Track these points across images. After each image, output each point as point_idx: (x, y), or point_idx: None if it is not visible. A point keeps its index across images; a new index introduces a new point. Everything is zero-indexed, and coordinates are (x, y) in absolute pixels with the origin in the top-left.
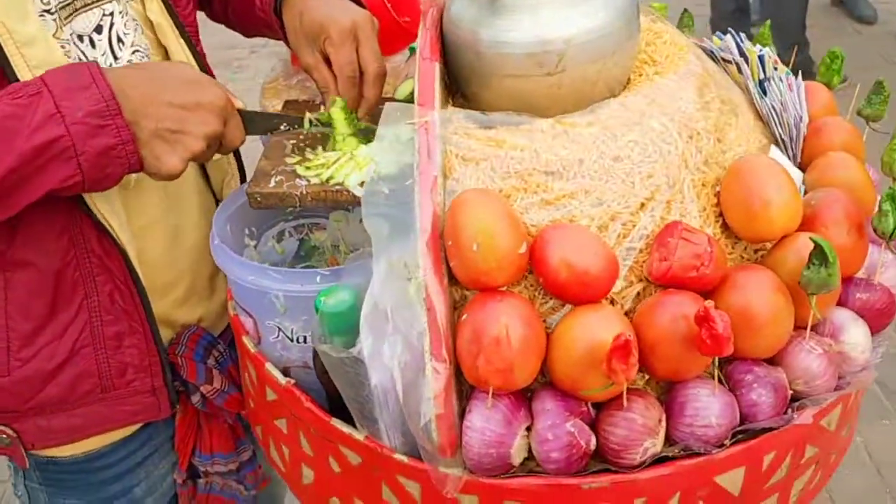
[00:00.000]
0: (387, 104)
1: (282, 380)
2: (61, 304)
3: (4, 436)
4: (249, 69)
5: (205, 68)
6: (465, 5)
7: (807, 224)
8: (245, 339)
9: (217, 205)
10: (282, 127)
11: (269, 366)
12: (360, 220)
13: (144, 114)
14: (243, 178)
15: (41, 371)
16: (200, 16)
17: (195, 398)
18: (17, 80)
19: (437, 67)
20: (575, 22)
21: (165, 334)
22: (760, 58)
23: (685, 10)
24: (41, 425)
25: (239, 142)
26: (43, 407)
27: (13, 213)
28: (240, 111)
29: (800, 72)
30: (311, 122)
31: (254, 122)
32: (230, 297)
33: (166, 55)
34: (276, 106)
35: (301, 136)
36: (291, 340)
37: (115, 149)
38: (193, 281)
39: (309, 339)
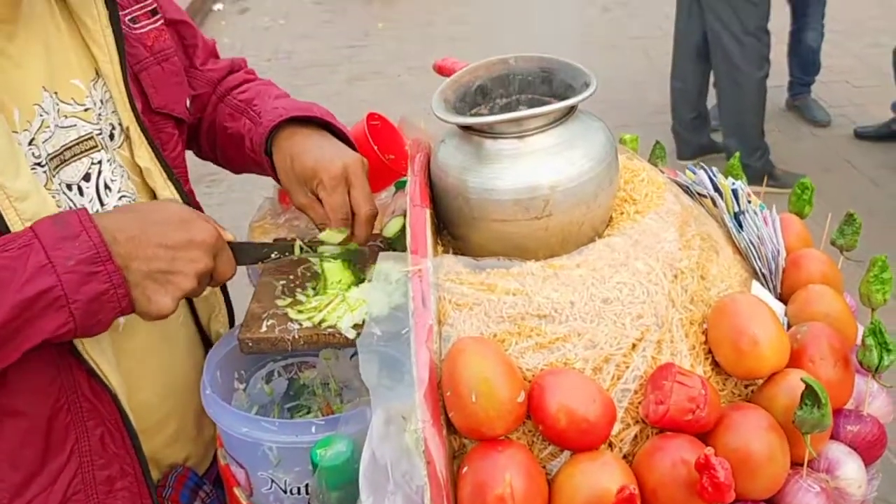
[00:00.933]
0: (381, 254)
1: None
2: (52, 451)
3: None
4: (223, 183)
5: (196, 207)
6: (451, 152)
7: (794, 360)
8: (236, 491)
9: (204, 340)
10: (272, 255)
11: None
12: (351, 357)
13: (135, 256)
14: (230, 311)
15: None
16: None
17: None
18: (10, 232)
19: (427, 213)
20: (559, 169)
21: (153, 475)
22: (734, 192)
23: (657, 141)
24: None
25: (230, 275)
26: None
27: (6, 365)
28: (229, 243)
29: (764, 177)
30: (301, 248)
31: (244, 252)
32: (220, 445)
33: (154, 198)
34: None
35: (291, 276)
36: (285, 492)
37: (106, 294)
38: (182, 420)
39: (303, 490)
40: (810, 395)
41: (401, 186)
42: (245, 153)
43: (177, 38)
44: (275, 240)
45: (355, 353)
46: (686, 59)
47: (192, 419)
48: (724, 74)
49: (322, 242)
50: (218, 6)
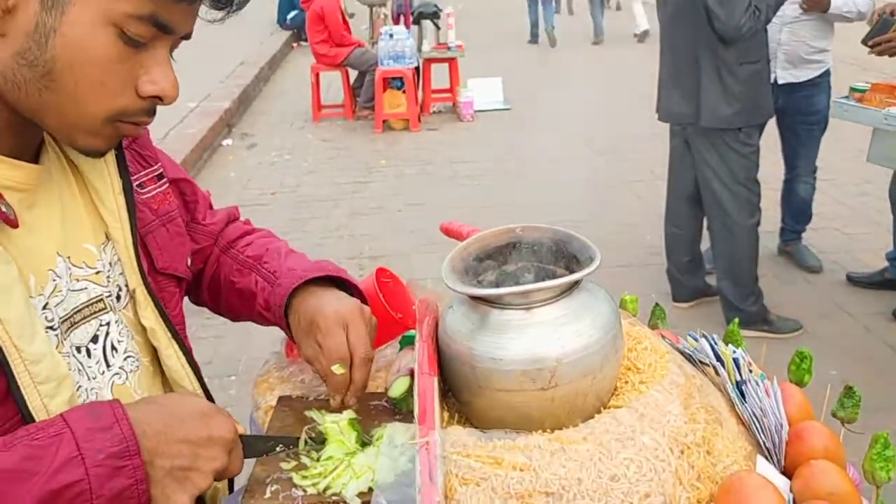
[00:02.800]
0: (390, 425)
1: None
2: None
3: None
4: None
5: (193, 363)
6: (458, 319)
7: None
8: None
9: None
10: (277, 448)
11: None
12: None
13: (159, 453)
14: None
15: None
16: None
17: None
18: (22, 396)
19: (435, 382)
20: (566, 341)
21: None
22: (736, 361)
23: (656, 304)
24: None
25: (238, 471)
26: None
27: None
28: (239, 436)
29: (759, 326)
30: (305, 441)
31: (251, 446)
32: None
33: (155, 355)
34: (269, 402)
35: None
36: None
37: (129, 490)
38: None
39: None
40: None
41: (406, 343)
42: (255, 309)
43: (178, 195)
44: (279, 399)
45: None
46: (680, 205)
47: None
48: (717, 221)
49: (324, 439)
50: (227, 141)
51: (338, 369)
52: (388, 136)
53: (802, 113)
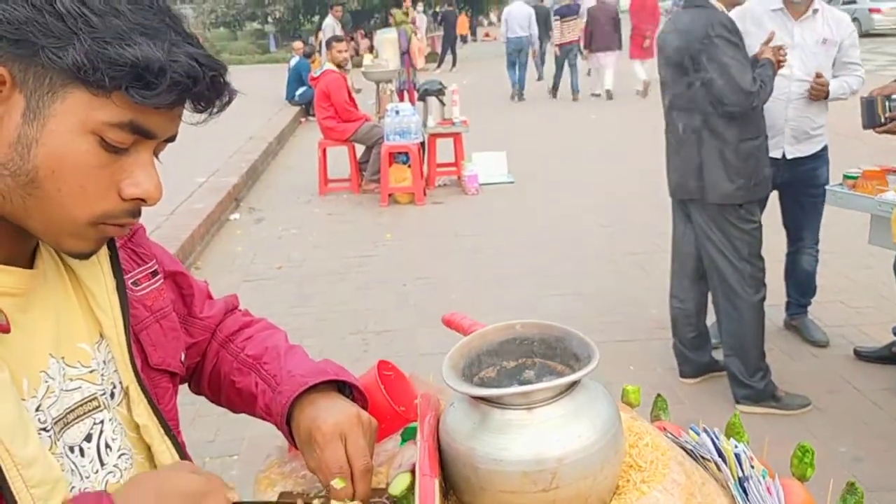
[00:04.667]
0: (398, 486)
1: None
2: None
3: None
4: None
5: (185, 458)
6: (460, 419)
7: None
8: None
9: None
10: None
11: None
12: None
13: None
14: None
15: None
16: None
17: None
18: (15, 501)
19: (437, 484)
20: (566, 441)
21: None
22: (737, 456)
23: (658, 395)
24: None
25: None
26: None
27: None
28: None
29: (767, 402)
30: None
31: None
32: None
33: (149, 452)
34: (271, 498)
35: None
36: None
37: None
38: None
39: None
40: None
41: (408, 437)
42: (256, 410)
43: (175, 288)
44: (280, 494)
45: None
46: (684, 280)
47: None
48: (722, 297)
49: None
50: (234, 216)
51: (338, 483)
52: (393, 209)
53: (807, 185)
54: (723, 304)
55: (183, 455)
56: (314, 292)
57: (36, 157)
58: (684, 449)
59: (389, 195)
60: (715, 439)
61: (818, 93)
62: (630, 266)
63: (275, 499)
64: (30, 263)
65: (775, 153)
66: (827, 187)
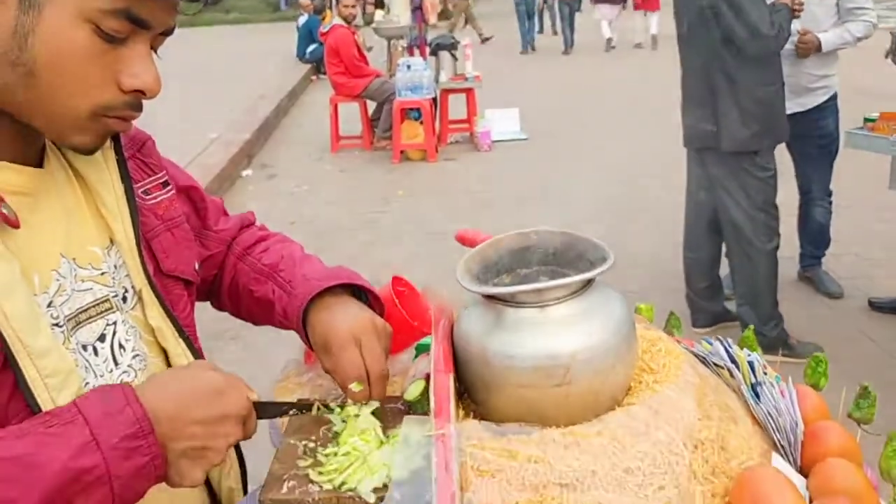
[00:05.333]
0: (406, 417)
1: None
2: None
3: None
4: (240, 340)
5: None
6: (473, 320)
7: None
8: None
9: (211, 495)
10: (290, 412)
11: None
12: None
13: (173, 437)
14: (242, 465)
15: None
16: None
17: None
18: (30, 389)
19: (451, 379)
20: (578, 339)
21: None
22: (750, 363)
23: (672, 312)
24: None
25: (251, 435)
26: None
27: None
28: (253, 403)
29: (779, 350)
30: (318, 408)
31: (265, 409)
32: None
33: (165, 357)
34: None
35: (313, 437)
36: None
37: (146, 467)
38: None
39: None
40: None
41: (421, 350)
42: (274, 317)
43: (189, 202)
44: (298, 399)
45: None
46: (698, 231)
47: None
48: (736, 247)
49: (342, 406)
50: (247, 172)
51: (356, 387)
52: (405, 166)
53: (812, 137)
54: (736, 253)
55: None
56: (326, 248)
57: (33, 48)
58: (697, 357)
59: (401, 152)
60: (728, 348)
61: (805, 49)
62: (644, 220)
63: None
64: (38, 164)
65: None
66: (846, 130)
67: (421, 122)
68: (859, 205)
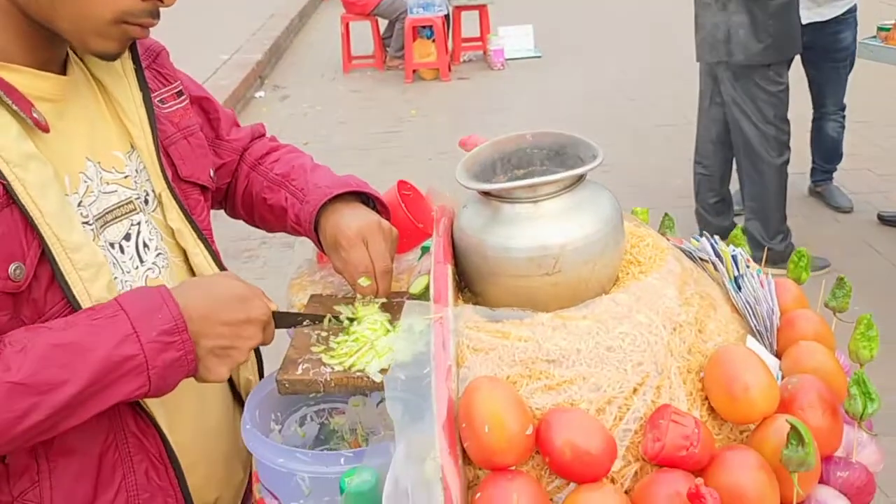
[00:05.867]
0: (408, 302)
1: None
2: (102, 486)
3: None
4: (259, 259)
5: (220, 264)
6: (472, 216)
7: (784, 407)
8: None
9: (233, 388)
10: (305, 323)
11: None
12: (377, 405)
13: (203, 335)
14: (259, 360)
15: None
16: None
17: None
18: (65, 281)
19: (449, 269)
20: (569, 231)
21: None
22: (734, 257)
23: (666, 213)
24: None
25: (270, 341)
26: None
27: (80, 422)
28: (272, 312)
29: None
30: (329, 319)
31: (282, 319)
32: (256, 481)
33: (185, 256)
34: (301, 300)
35: (325, 328)
36: None
37: (179, 361)
38: (211, 463)
39: None
40: (795, 435)
41: (426, 251)
42: (287, 224)
43: (202, 113)
44: (311, 296)
45: (381, 401)
46: (708, 146)
47: (221, 463)
48: (746, 161)
49: (352, 318)
50: (259, 94)
51: (364, 281)
52: (418, 85)
53: (829, 50)
54: (746, 166)
55: (218, 263)
56: (340, 167)
57: None
58: (684, 252)
59: (414, 71)
60: (714, 244)
61: None
62: (656, 138)
63: (306, 300)
64: (62, 73)
65: None
66: (859, 41)
67: (433, 41)
68: (875, 121)
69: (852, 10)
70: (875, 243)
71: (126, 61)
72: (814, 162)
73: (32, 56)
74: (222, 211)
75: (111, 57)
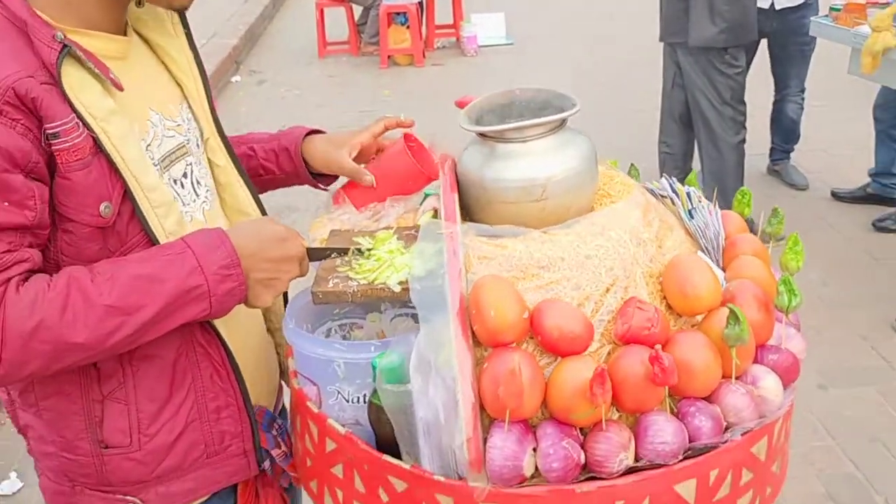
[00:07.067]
0: (422, 225)
1: (341, 430)
2: (176, 386)
3: None
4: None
5: (257, 198)
6: (472, 155)
7: (726, 304)
8: (308, 404)
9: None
10: (333, 256)
11: (330, 421)
12: (391, 320)
13: (252, 269)
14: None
15: (164, 444)
16: None
17: (265, 465)
18: (144, 217)
19: (456, 198)
20: (553, 165)
21: None
22: (688, 194)
23: (632, 164)
24: (161, 492)
25: (306, 273)
26: (163, 475)
27: (155, 337)
28: (306, 248)
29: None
30: (352, 251)
31: (314, 254)
32: (294, 376)
33: (229, 192)
34: (322, 235)
35: (348, 255)
36: (347, 401)
37: (234, 290)
38: (256, 369)
39: (361, 399)
40: (733, 317)
41: (429, 195)
42: (252, 165)
43: None
44: (331, 232)
45: (395, 316)
46: (672, 125)
47: (264, 370)
48: (705, 140)
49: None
50: (236, 78)
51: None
52: (393, 71)
53: (797, 33)
54: (705, 145)
55: (256, 197)
56: None
57: None
58: (647, 190)
59: (389, 57)
60: (672, 184)
61: None
62: (623, 121)
63: (326, 234)
64: (124, 34)
65: (763, 3)
66: (812, 18)
67: (407, 27)
68: (831, 104)
69: None
70: (828, 218)
71: (177, 25)
72: (773, 142)
73: (108, 20)
74: None
75: (184, 7)
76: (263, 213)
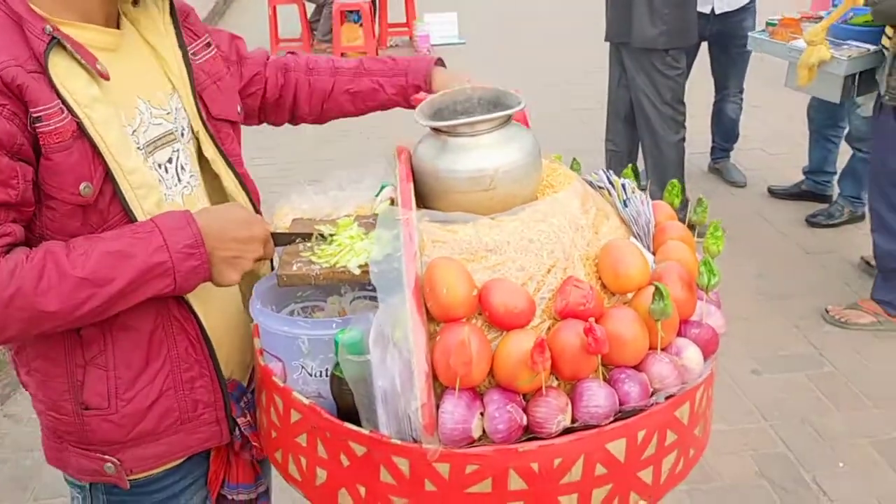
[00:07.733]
0: (381, 212)
1: (305, 401)
2: (152, 356)
3: (111, 464)
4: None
5: (246, 186)
6: (426, 148)
7: (653, 282)
8: (274, 379)
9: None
10: (297, 241)
11: (294, 393)
12: (350, 302)
13: (217, 247)
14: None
15: (139, 409)
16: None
17: (235, 432)
18: (124, 198)
19: (411, 187)
20: (500, 158)
21: None
22: (623, 185)
23: (574, 158)
24: (137, 454)
25: (271, 256)
26: (139, 438)
27: (124, 309)
28: (270, 233)
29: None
30: (315, 237)
31: (279, 238)
32: (260, 353)
33: (217, 181)
34: (286, 223)
35: (310, 242)
36: (311, 375)
37: (198, 268)
38: (232, 342)
39: (324, 373)
40: (658, 293)
41: (384, 187)
42: (379, 100)
43: (232, 41)
44: (293, 219)
45: (354, 299)
46: (618, 124)
47: (237, 346)
48: (647, 138)
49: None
50: None
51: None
52: None
53: (735, 36)
54: (647, 143)
55: (244, 185)
56: (275, 145)
57: None
58: (586, 182)
59: (342, 54)
60: (609, 176)
61: None
62: (573, 120)
63: (289, 224)
64: (117, 27)
65: (704, 8)
66: (750, 34)
67: (360, 25)
68: (767, 105)
69: (753, 0)
70: (765, 214)
71: (168, 25)
72: (714, 141)
73: (102, 14)
74: None
75: None
76: (252, 201)
